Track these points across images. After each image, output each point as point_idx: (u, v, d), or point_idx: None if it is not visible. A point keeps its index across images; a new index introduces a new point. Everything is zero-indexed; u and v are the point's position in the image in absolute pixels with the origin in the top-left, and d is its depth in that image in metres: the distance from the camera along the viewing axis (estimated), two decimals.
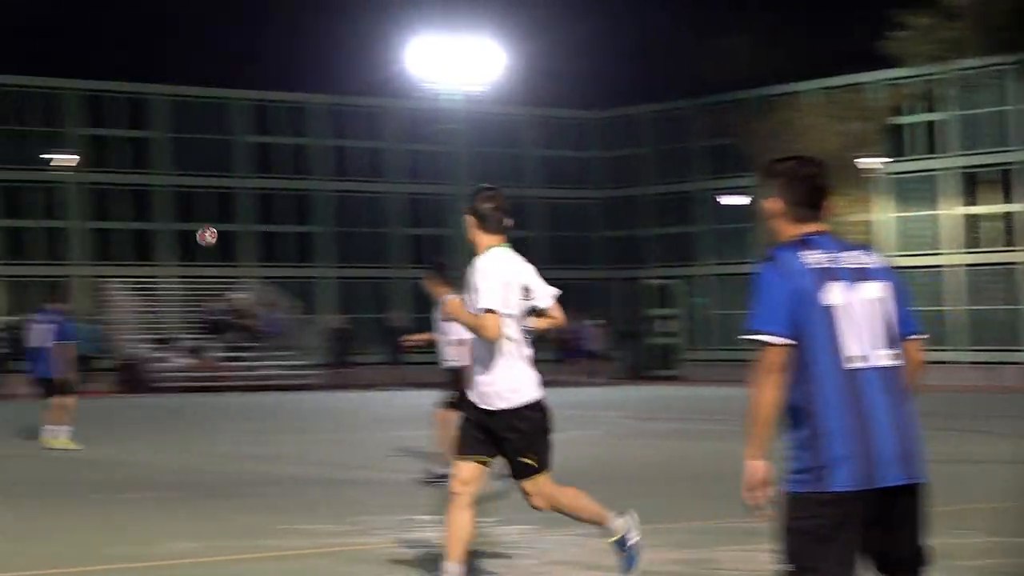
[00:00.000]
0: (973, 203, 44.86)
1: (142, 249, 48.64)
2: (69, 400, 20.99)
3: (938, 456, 18.67)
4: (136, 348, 44.44)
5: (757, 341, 5.37)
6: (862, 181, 45.51)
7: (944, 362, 44.18)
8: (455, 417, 15.37)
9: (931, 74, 44.60)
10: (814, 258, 5.47)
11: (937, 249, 45.20)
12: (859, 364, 5.39)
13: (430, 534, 11.93)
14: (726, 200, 49.80)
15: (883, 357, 5.45)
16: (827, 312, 5.41)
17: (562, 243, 54.21)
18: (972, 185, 44.90)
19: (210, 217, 47.82)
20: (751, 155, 49.50)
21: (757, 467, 5.36)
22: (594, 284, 54.15)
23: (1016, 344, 43.56)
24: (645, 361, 51.55)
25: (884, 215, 46.30)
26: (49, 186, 47.01)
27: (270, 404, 35.19)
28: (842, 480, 5.27)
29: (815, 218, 5.60)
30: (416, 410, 31.31)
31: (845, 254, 5.54)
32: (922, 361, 5.68)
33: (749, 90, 50.73)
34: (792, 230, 5.59)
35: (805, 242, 5.52)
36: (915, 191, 45.93)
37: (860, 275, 5.51)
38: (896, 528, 5.43)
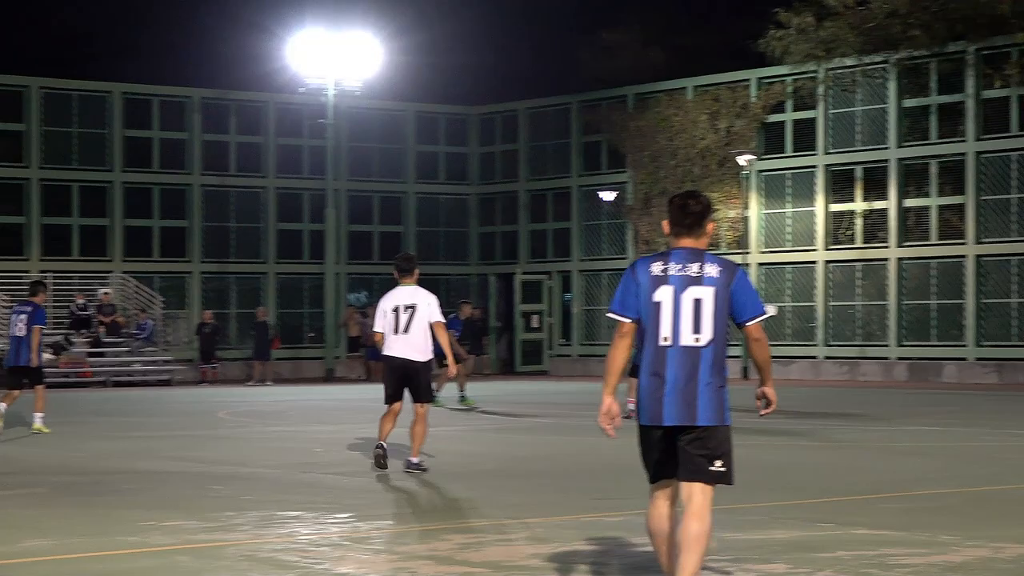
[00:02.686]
0: (844, 200, 45.26)
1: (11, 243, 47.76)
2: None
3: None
4: None
5: (612, 318, 7.70)
6: (737, 178, 45.90)
7: (813, 357, 44.92)
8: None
9: (807, 72, 45.22)
10: (658, 267, 7.61)
11: (810, 245, 45.65)
12: (666, 343, 7.58)
13: (294, 529, 11.81)
14: (603, 196, 49.75)
15: (689, 339, 7.57)
16: (655, 306, 7.62)
17: (438, 238, 54.09)
18: (843, 182, 45.35)
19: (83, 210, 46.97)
20: (625, 152, 49.77)
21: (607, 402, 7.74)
22: (469, 279, 54.10)
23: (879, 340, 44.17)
24: (517, 356, 51.40)
25: (757, 211, 46.64)
26: None
27: (136, 400, 34.73)
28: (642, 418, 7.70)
29: (687, 236, 7.67)
30: (283, 405, 31.12)
31: (689, 266, 7.59)
32: (758, 337, 7.69)
33: (626, 87, 50.94)
34: (672, 243, 7.69)
35: (664, 255, 7.64)
36: (787, 187, 46.36)
37: (690, 282, 7.57)
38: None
